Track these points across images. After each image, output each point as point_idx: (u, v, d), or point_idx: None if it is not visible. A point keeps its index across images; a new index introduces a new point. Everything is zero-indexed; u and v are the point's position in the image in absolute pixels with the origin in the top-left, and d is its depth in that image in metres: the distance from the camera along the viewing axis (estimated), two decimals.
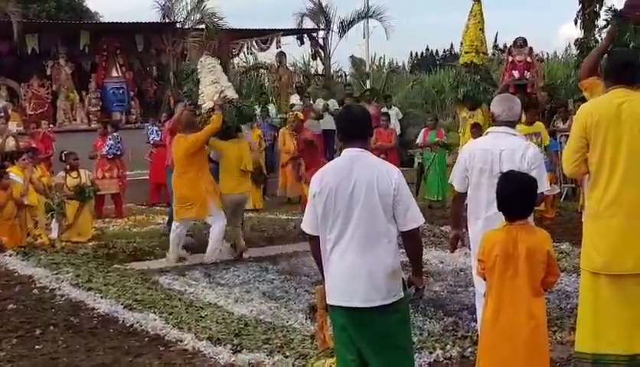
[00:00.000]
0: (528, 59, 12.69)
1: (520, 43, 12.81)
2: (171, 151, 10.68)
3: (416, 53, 44.39)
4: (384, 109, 17.41)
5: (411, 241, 4.44)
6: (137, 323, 7.14)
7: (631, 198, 4.91)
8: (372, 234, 4.31)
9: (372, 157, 4.49)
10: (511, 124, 5.49)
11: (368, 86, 22.65)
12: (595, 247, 5.02)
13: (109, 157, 14.67)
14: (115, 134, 15.05)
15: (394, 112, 18.07)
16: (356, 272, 4.32)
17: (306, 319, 7.04)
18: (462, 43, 13.50)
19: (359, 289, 4.32)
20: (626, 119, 4.93)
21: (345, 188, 4.33)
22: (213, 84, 10.75)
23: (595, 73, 5.73)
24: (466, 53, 13.16)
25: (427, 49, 45.40)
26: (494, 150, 5.30)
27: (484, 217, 5.41)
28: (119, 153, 14.79)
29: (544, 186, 5.32)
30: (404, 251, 4.51)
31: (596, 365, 5.11)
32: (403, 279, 4.43)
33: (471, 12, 13.21)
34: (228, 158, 10.47)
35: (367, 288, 4.31)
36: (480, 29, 13.14)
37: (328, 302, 4.54)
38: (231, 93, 10.76)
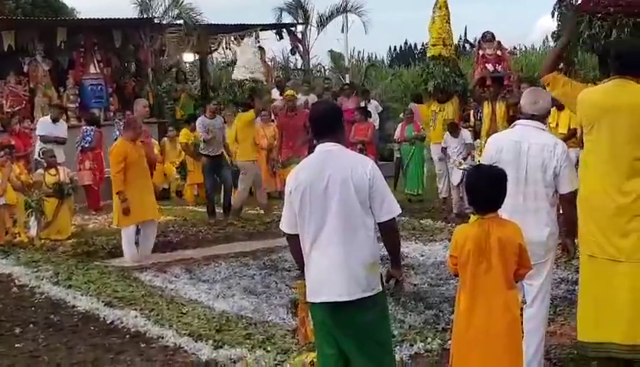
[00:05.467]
0: (498, 52, 12.74)
1: (489, 37, 12.86)
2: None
3: (395, 47, 44.45)
4: (363, 103, 17.42)
5: (388, 233, 4.45)
6: (118, 320, 7.13)
7: (624, 183, 5.03)
8: (349, 227, 4.33)
9: (345, 151, 4.50)
10: (540, 118, 5.44)
11: (347, 80, 22.67)
12: (591, 230, 5.09)
13: (79, 149, 14.94)
14: (84, 127, 15.30)
15: (373, 106, 18.08)
16: (335, 266, 4.34)
17: (287, 314, 7.05)
18: (429, 37, 13.60)
19: (338, 283, 4.34)
20: (618, 108, 5.06)
21: (319, 184, 4.36)
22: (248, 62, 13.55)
23: (556, 68, 5.92)
24: (434, 45, 13.27)
25: (406, 43, 45.41)
26: (524, 143, 5.21)
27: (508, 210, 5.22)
28: (87, 146, 14.93)
29: (574, 184, 5.22)
30: (383, 244, 4.53)
31: (597, 353, 5.16)
32: (381, 273, 4.44)
33: (436, 4, 13.31)
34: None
35: (346, 281, 4.32)
36: (446, 21, 13.23)
37: (308, 299, 4.55)
38: (259, 76, 13.68)
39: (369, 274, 4.34)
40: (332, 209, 4.34)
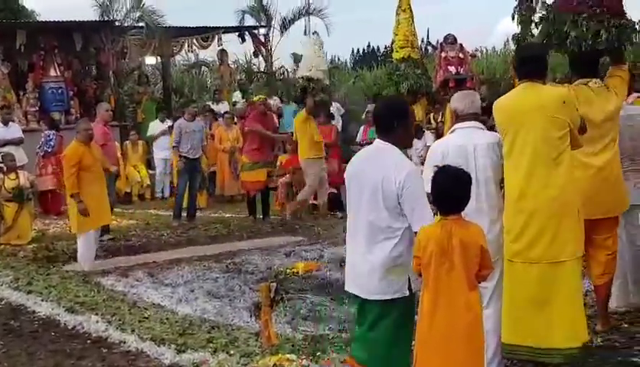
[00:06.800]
0: (460, 55, 12.87)
1: (451, 40, 13.00)
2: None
3: (358, 49, 44.72)
4: None
5: None
6: (79, 325, 7.07)
7: (535, 187, 5.12)
8: (375, 229, 4.42)
9: (389, 153, 4.50)
10: (478, 117, 5.50)
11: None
12: (509, 234, 5.17)
13: (42, 154, 14.77)
14: (46, 132, 15.16)
15: (335, 108, 18.10)
16: (360, 263, 4.51)
17: (251, 317, 7.04)
18: (393, 39, 13.68)
19: (358, 277, 4.52)
20: (529, 111, 5.16)
21: (358, 180, 4.53)
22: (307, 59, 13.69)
23: None
24: (402, 48, 13.32)
25: (369, 45, 45.69)
26: (469, 145, 5.26)
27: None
28: (50, 150, 14.78)
29: None
30: None
31: (512, 355, 5.24)
32: (409, 278, 4.43)
33: (400, 7, 13.37)
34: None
35: (367, 280, 4.46)
36: (411, 23, 13.33)
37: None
38: (319, 74, 13.44)
39: (389, 276, 4.39)
40: (363, 207, 4.47)
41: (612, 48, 6.12)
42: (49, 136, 14.97)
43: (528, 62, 5.33)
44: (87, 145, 9.93)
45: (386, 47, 36.43)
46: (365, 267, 4.46)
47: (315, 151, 12.81)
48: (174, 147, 13.23)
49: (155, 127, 17.55)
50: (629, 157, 6.49)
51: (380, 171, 4.41)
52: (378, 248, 4.40)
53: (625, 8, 6.25)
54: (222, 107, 18.59)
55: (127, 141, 17.31)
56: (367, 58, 38.73)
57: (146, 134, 17.67)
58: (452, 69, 12.81)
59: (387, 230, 4.39)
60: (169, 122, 17.50)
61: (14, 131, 14.79)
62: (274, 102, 18.42)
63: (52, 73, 18.41)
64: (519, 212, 5.16)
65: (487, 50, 27.49)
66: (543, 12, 6.54)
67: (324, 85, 13.59)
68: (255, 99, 13.91)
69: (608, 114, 5.99)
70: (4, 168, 12.13)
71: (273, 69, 23.46)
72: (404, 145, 4.61)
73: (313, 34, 14.24)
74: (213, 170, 16.16)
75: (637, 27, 6.32)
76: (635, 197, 6.48)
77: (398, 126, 4.54)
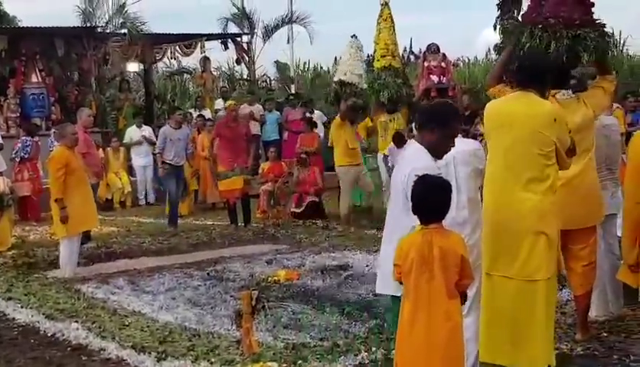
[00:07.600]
0: (442, 64, 12.93)
1: (434, 49, 13.07)
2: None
3: (341, 57, 44.65)
4: (308, 114, 17.47)
5: None
6: (59, 332, 7.02)
7: (512, 200, 5.09)
8: (392, 225, 4.63)
9: (413, 152, 4.66)
10: None
11: (293, 91, 22.72)
12: (486, 246, 5.17)
13: (17, 160, 14.78)
14: (23, 137, 15.18)
15: (317, 116, 18.11)
16: (381, 260, 4.73)
17: (232, 325, 7.01)
18: (374, 48, 13.73)
19: (379, 276, 4.74)
20: (515, 120, 5.15)
21: (392, 178, 4.78)
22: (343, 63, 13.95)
23: (502, 80, 6.02)
24: (382, 56, 13.37)
25: None
26: (448, 154, 5.31)
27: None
28: (26, 156, 14.82)
29: None
30: None
31: None
32: None
33: (381, 16, 13.43)
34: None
35: (381, 276, 4.69)
36: (392, 32, 13.38)
37: None
38: (354, 78, 13.48)
39: None
40: (390, 204, 4.74)
41: (599, 59, 6.14)
42: (26, 142, 14.98)
43: (522, 70, 5.34)
44: (73, 150, 9.90)
45: (368, 56, 36.50)
46: (381, 263, 4.70)
47: (349, 158, 12.86)
48: (157, 153, 13.19)
49: (132, 132, 17.52)
50: (607, 166, 6.53)
51: (399, 168, 4.62)
52: (393, 245, 4.48)
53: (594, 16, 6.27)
54: (204, 114, 18.59)
55: (108, 148, 17.25)
56: None
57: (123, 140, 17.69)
58: (435, 78, 12.86)
59: (400, 226, 4.49)
60: (145, 129, 17.49)
61: None
62: (256, 109, 18.41)
63: (33, 78, 18.36)
64: (495, 224, 5.13)
65: (469, 60, 27.66)
66: (510, 26, 6.61)
67: (358, 89, 13.60)
68: (227, 104, 13.89)
69: (574, 126, 5.88)
70: None
71: (256, 76, 23.48)
72: (437, 152, 4.65)
73: (352, 37, 14.17)
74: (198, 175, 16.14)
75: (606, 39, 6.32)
76: (613, 206, 6.52)
77: (430, 127, 4.64)
